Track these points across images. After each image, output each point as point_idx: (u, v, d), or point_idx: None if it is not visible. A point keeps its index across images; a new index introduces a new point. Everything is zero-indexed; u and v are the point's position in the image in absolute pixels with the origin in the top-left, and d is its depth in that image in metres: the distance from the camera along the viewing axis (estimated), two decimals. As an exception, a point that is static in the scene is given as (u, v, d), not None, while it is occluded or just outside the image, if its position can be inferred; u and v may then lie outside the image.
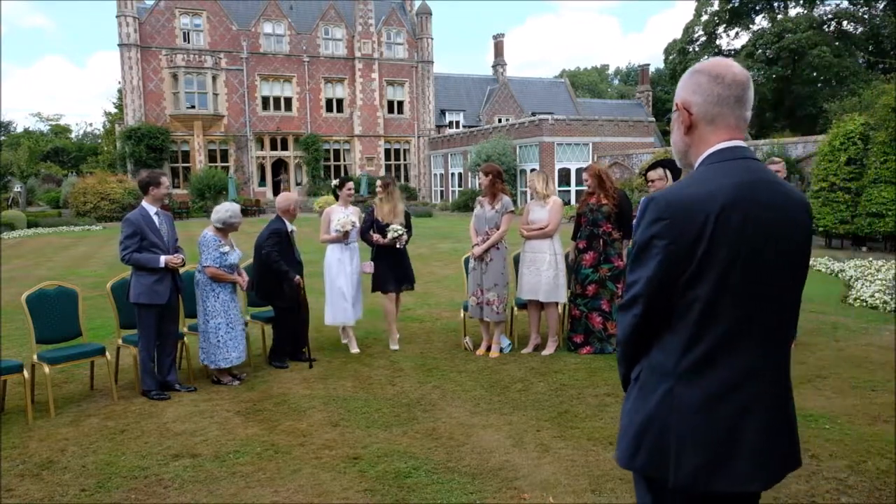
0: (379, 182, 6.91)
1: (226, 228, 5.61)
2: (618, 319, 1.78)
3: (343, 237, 6.52)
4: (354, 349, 6.56)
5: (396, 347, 6.58)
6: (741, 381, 1.62)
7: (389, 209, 6.64)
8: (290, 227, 6.16)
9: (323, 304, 6.78)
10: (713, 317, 1.60)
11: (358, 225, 6.61)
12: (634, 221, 1.68)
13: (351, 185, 6.87)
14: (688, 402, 1.61)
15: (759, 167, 1.67)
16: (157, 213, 5.37)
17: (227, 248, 5.53)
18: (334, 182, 6.85)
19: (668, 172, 6.48)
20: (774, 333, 1.67)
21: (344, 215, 6.54)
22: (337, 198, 6.86)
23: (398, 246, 6.53)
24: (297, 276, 5.99)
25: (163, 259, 5.18)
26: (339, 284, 6.54)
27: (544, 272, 6.17)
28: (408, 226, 6.76)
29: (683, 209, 1.58)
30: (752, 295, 1.61)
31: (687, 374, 1.62)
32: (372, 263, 6.66)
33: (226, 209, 5.65)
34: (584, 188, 6.42)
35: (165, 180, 5.46)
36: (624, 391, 1.81)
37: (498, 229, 6.21)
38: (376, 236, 6.55)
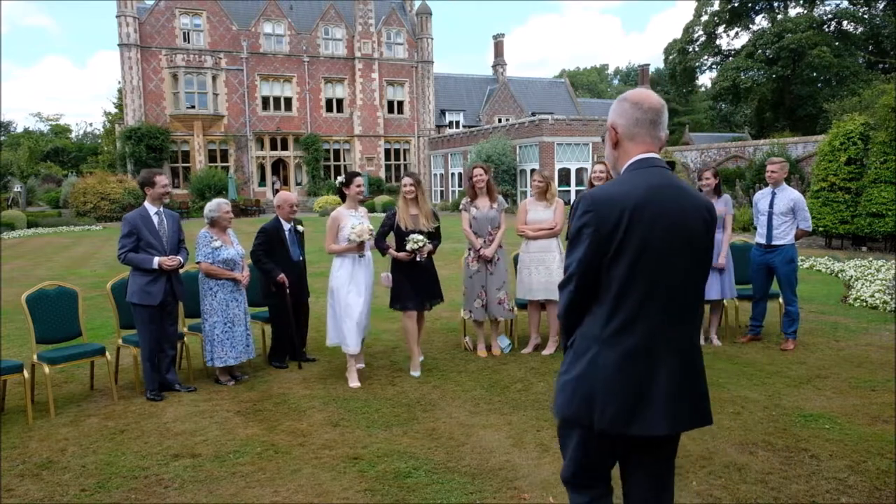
0: (407, 179, 5.76)
1: (214, 223, 5.59)
2: (559, 296, 2.16)
3: (357, 249, 5.51)
4: (354, 383, 5.43)
5: (417, 374, 5.67)
6: (650, 345, 2.02)
7: (420, 213, 5.71)
8: (287, 225, 6.12)
9: (321, 306, 6.72)
10: (627, 293, 2.00)
11: (373, 233, 5.60)
12: (569, 214, 1.94)
13: (361, 181, 5.74)
14: (608, 362, 2.02)
15: (667, 174, 2.09)
16: (157, 213, 5.33)
17: (218, 244, 5.51)
18: (339, 179, 5.74)
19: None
20: (680, 307, 2.07)
21: (357, 221, 5.54)
22: (343, 198, 5.75)
23: (418, 259, 5.62)
24: (282, 275, 5.90)
25: (156, 261, 5.14)
26: (349, 304, 5.47)
27: (555, 271, 6.16)
28: (435, 231, 5.84)
29: (606, 204, 2.00)
30: (659, 275, 2.01)
31: (608, 340, 2.03)
32: (390, 276, 5.74)
33: (209, 205, 5.65)
34: (585, 188, 6.38)
35: (161, 179, 5.34)
36: (569, 329, 2.19)
37: (499, 228, 6.21)
38: (392, 250, 5.71)
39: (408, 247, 5.54)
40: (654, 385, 2.01)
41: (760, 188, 6.38)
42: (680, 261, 2.03)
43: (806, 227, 6.24)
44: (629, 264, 1.99)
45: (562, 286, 2.14)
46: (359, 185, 5.67)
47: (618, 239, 1.98)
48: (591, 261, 2.02)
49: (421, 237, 5.58)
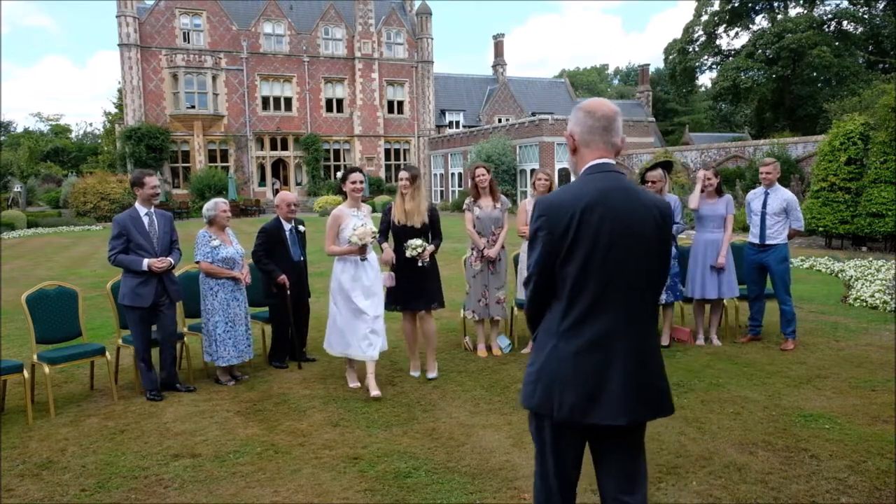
0: (405, 174, 5.51)
1: (211, 222, 5.60)
2: (527, 276, 2.28)
3: (358, 252, 5.18)
4: (375, 391, 5.05)
5: (417, 374, 5.64)
6: (604, 339, 2.13)
7: (413, 208, 5.48)
8: (287, 226, 6.12)
9: (321, 306, 6.71)
10: (580, 290, 2.14)
11: (377, 235, 5.30)
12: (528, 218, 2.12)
13: (359, 176, 5.31)
14: (566, 355, 2.14)
15: (619, 178, 2.22)
16: (147, 214, 5.29)
17: (217, 242, 5.51)
18: (340, 174, 5.77)
19: (665, 174, 6.51)
20: (632, 303, 2.17)
21: (360, 222, 5.19)
22: (344, 196, 5.41)
23: (420, 264, 5.42)
24: (282, 276, 5.89)
25: (145, 262, 5.11)
26: (358, 309, 5.15)
27: None
28: (434, 229, 5.64)
29: (557, 208, 2.16)
30: (610, 273, 2.13)
31: (565, 334, 2.16)
32: (392, 276, 5.52)
33: (207, 204, 5.66)
34: None
35: (150, 180, 5.28)
36: (539, 304, 2.31)
37: (502, 228, 6.22)
38: (387, 249, 5.49)
39: (407, 253, 5.34)
40: (609, 377, 2.12)
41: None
42: (630, 259, 2.15)
43: (798, 226, 6.31)
44: (580, 264, 2.13)
45: (525, 285, 2.30)
46: (354, 182, 5.26)
47: (569, 240, 2.13)
48: (545, 261, 2.18)
49: (419, 241, 5.36)
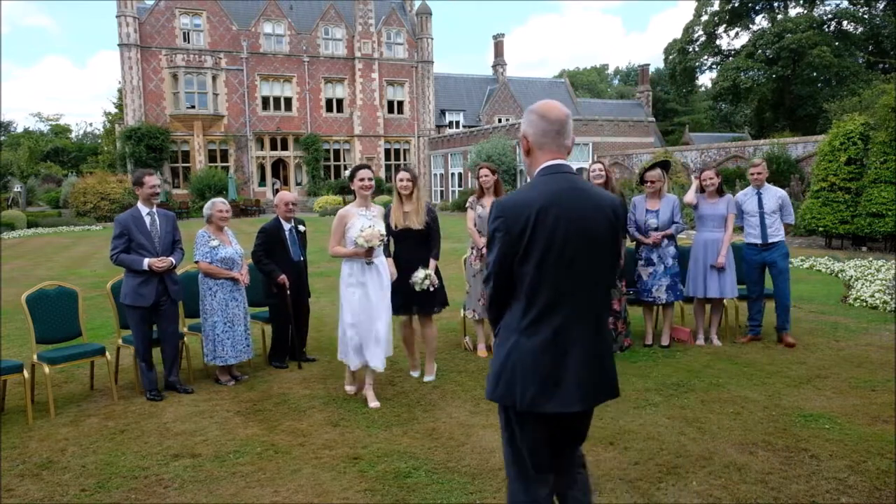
0: (404, 174, 5.33)
1: (211, 222, 5.61)
2: (486, 275, 2.40)
3: (364, 254, 4.84)
4: (374, 403, 4.89)
5: (417, 374, 5.64)
6: (561, 334, 2.26)
7: (412, 210, 5.29)
8: (287, 225, 6.12)
9: (321, 306, 6.71)
10: (538, 288, 2.25)
11: (385, 238, 4.95)
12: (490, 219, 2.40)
13: (367, 173, 4.99)
14: (526, 350, 2.27)
15: (572, 178, 2.31)
16: (149, 214, 5.30)
17: (216, 243, 5.51)
18: (347, 173, 5.34)
19: (664, 173, 6.52)
20: (586, 298, 2.29)
21: (368, 223, 4.87)
22: (347, 194, 5.43)
23: (431, 289, 5.25)
24: (282, 276, 5.88)
25: (146, 262, 5.12)
26: (366, 315, 4.87)
27: None
28: (433, 233, 5.39)
29: (513, 209, 2.25)
30: (565, 272, 2.24)
31: (525, 331, 2.29)
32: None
33: (206, 203, 5.68)
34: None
35: (150, 180, 5.29)
36: (501, 304, 2.45)
37: None
38: (389, 265, 5.23)
39: (416, 289, 5.15)
40: (566, 368, 2.26)
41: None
42: (584, 258, 2.27)
43: (790, 221, 6.49)
44: (537, 262, 2.24)
45: (485, 282, 2.42)
46: (363, 179, 4.92)
47: (525, 240, 2.23)
48: (503, 261, 2.28)
49: (422, 274, 5.16)
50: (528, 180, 2.41)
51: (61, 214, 30.51)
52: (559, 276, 2.24)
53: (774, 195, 6.37)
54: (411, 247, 5.36)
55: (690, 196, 6.50)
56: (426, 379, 5.53)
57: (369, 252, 4.82)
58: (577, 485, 2.52)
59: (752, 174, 6.43)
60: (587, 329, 2.30)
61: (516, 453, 2.40)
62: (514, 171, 30.82)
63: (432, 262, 5.38)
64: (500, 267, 2.29)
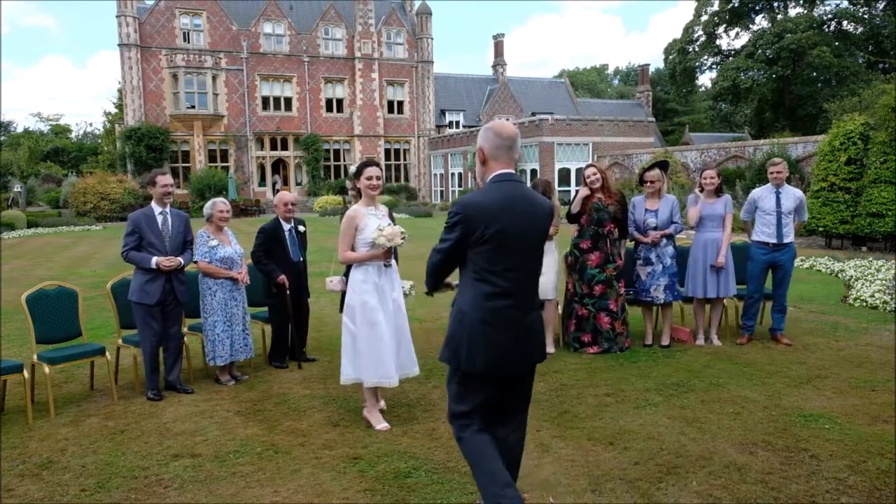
0: (374, 170, 4.71)
1: (211, 222, 5.62)
2: (430, 254, 2.93)
3: (384, 255, 4.44)
4: (381, 424, 4.47)
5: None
6: (501, 310, 2.81)
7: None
8: (287, 226, 6.11)
9: (321, 306, 6.69)
10: (491, 271, 2.79)
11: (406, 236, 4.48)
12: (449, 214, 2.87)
13: (375, 171, 4.54)
14: (476, 323, 2.81)
15: (520, 186, 2.87)
16: (161, 213, 5.34)
17: (215, 242, 5.52)
18: (352, 169, 4.62)
19: (663, 173, 6.53)
20: (523, 284, 2.85)
21: (385, 222, 4.50)
22: (359, 194, 4.63)
23: (387, 262, 4.54)
24: (282, 276, 5.88)
25: (154, 260, 5.15)
26: (379, 324, 4.37)
27: (555, 272, 6.20)
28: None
29: (471, 209, 2.79)
30: (512, 259, 2.79)
31: (476, 304, 2.82)
32: (343, 279, 4.88)
33: (207, 203, 5.70)
34: (585, 191, 6.32)
35: (162, 179, 5.33)
36: (428, 295, 3.19)
37: None
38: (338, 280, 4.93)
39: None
40: (503, 338, 2.80)
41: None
42: (526, 248, 2.83)
43: (804, 219, 6.58)
44: (490, 251, 2.77)
45: (435, 250, 2.92)
46: (370, 178, 4.48)
47: (480, 233, 2.75)
48: (456, 248, 2.83)
49: (388, 226, 4.46)
50: (480, 184, 2.98)
51: (61, 214, 30.50)
52: (505, 266, 2.79)
53: (793, 195, 6.35)
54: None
55: (693, 220, 6.47)
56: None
57: (388, 253, 4.43)
58: (518, 434, 3.11)
59: (773, 173, 6.40)
60: (525, 308, 2.86)
61: (459, 398, 2.95)
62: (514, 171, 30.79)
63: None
64: (452, 252, 2.85)
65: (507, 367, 2.84)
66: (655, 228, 6.30)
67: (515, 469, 3.08)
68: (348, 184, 4.87)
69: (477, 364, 2.80)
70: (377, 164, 4.62)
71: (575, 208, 6.27)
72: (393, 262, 4.60)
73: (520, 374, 2.94)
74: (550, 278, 6.19)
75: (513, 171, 2.87)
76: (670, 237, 6.37)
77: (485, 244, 2.76)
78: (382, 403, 4.70)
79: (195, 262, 5.52)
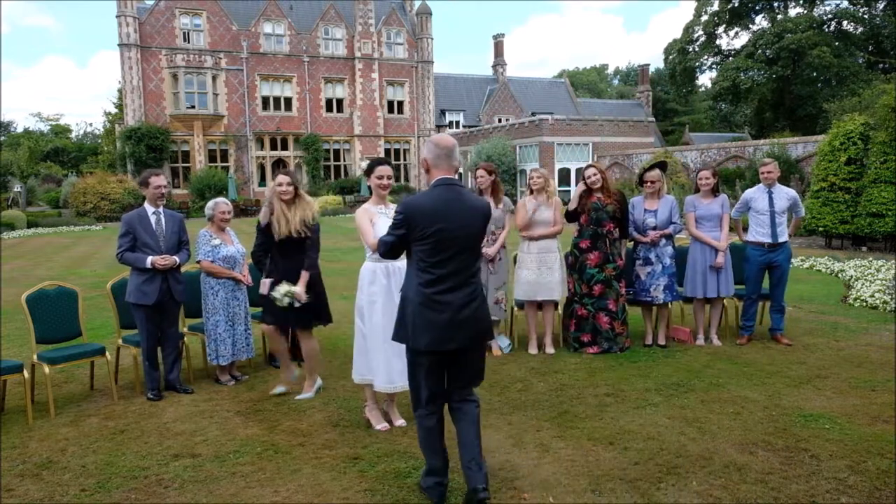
0: (283, 178, 5.02)
1: (213, 222, 5.63)
2: (379, 241, 3.46)
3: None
4: (382, 425, 4.50)
5: (281, 389, 5.20)
6: (443, 294, 3.25)
7: (292, 216, 4.95)
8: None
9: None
10: (433, 262, 3.25)
11: None
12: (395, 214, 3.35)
13: (387, 170, 4.48)
14: (415, 305, 3.28)
15: (457, 189, 3.34)
16: (155, 213, 5.32)
17: (217, 241, 5.53)
18: (363, 166, 4.82)
19: (663, 174, 6.54)
20: (462, 272, 3.29)
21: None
22: (369, 193, 4.72)
23: (297, 304, 4.91)
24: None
25: (149, 260, 5.14)
26: (385, 328, 4.19)
27: (557, 270, 6.20)
28: (311, 240, 5.03)
29: (413, 209, 3.27)
30: (450, 252, 3.25)
31: (417, 291, 3.28)
32: (269, 282, 5.03)
33: (209, 202, 5.72)
34: (582, 187, 6.33)
35: (155, 180, 5.30)
36: (390, 257, 3.60)
37: (503, 229, 6.23)
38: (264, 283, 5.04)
39: (276, 304, 4.85)
40: (444, 318, 3.24)
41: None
42: (461, 244, 3.27)
43: (801, 214, 6.64)
44: (429, 246, 3.23)
45: (384, 238, 3.41)
46: (381, 177, 4.41)
47: (420, 231, 3.23)
48: (401, 242, 3.33)
49: (286, 289, 4.82)
50: (426, 188, 3.47)
51: (61, 214, 30.51)
52: (444, 257, 3.24)
53: (785, 195, 6.38)
54: (292, 256, 5.01)
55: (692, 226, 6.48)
56: (300, 397, 5.09)
57: None
58: (470, 405, 3.45)
59: (763, 173, 6.42)
60: (463, 293, 3.28)
61: (418, 384, 3.40)
62: (514, 171, 30.83)
63: (304, 275, 4.97)
64: (396, 245, 3.35)
65: (446, 344, 3.26)
66: (655, 228, 6.30)
67: (479, 430, 3.47)
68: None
69: (421, 342, 3.26)
70: (388, 163, 4.56)
71: (572, 205, 6.28)
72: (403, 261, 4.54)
73: (462, 349, 3.32)
74: (556, 277, 6.19)
75: (452, 177, 3.36)
76: (669, 237, 6.37)
77: (425, 240, 3.23)
78: (398, 416, 4.60)
79: (198, 262, 5.53)
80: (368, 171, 4.50)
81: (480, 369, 3.50)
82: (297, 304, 4.88)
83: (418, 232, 3.23)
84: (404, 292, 3.37)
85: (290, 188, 4.99)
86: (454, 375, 3.42)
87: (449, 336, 3.25)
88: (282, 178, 5.00)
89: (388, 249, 3.41)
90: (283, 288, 4.86)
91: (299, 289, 4.90)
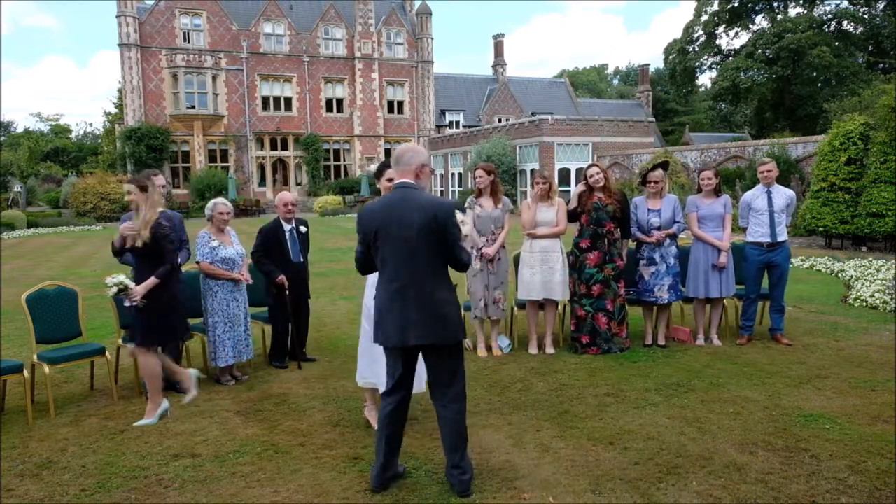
0: (129, 186, 4.70)
1: (213, 222, 5.63)
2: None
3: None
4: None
5: (148, 421, 4.64)
6: (402, 294, 3.40)
7: (141, 224, 4.61)
8: (287, 226, 6.11)
9: (321, 306, 6.68)
10: (385, 264, 3.46)
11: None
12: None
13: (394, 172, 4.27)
14: (383, 305, 3.47)
15: (405, 191, 3.47)
16: None
17: (216, 243, 5.52)
18: (372, 168, 4.50)
19: (665, 174, 6.54)
20: (413, 273, 3.40)
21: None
22: (369, 193, 4.63)
23: (128, 304, 4.65)
24: (281, 276, 5.87)
25: None
26: None
27: (559, 271, 6.20)
28: (160, 246, 4.64)
29: (364, 215, 3.55)
30: (399, 253, 3.40)
31: (381, 292, 3.50)
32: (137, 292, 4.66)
33: (209, 204, 5.71)
34: (582, 186, 6.33)
35: (154, 180, 5.18)
36: (363, 272, 3.77)
37: (503, 229, 6.22)
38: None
39: (109, 293, 4.64)
40: (404, 316, 3.38)
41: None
42: (409, 243, 3.37)
43: (791, 221, 6.61)
44: (384, 247, 3.43)
45: (357, 249, 3.63)
46: (391, 179, 4.10)
47: (372, 234, 3.47)
48: (362, 244, 3.56)
49: (119, 278, 4.56)
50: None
51: (61, 214, 30.52)
52: (396, 256, 3.40)
53: (784, 194, 6.39)
54: (139, 265, 4.73)
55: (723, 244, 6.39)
56: (138, 423, 4.63)
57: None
58: (448, 410, 3.51)
59: (763, 172, 6.42)
60: (417, 290, 3.38)
61: (391, 375, 3.58)
62: (514, 171, 30.83)
63: (150, 280, 4.63)
64: (363, 248, 3.57)
65: (405, 339, 3.38)
66: (659, 228, 6.30)
67: (461, 440, 3.53)
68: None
69: (380, 338, 3.48)
70: None
71: (571, 205, 6.28)
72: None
73: (424, 346, 3.43)
74: (558, 277, 6.19)
75: (405, 180, 3.50)
76: (674, 237, 6.37)
77: (376, 241, 3.45)
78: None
79: (197, 263, 5.53)
80: (378, 174, 4.41)
81: (453, 372, 3.50)
82: (127, 303, 4.61)
83: (369, 236, 3.46)
84: (376, 293, 3.58)
85: (135, 191, 4.64)
86: (430, 376, 3.56)
87: (406, 332, 3.38)
88: (128, 186, 4.61)
89: (357, 262, 3.62)
90: (119, 277, 4.56)
91: (138, 288, 4.57)
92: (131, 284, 4.61)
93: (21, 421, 4.74)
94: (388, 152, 40.62)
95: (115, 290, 4.58)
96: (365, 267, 3.64)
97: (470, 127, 40.34)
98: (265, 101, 38.07)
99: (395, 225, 3.38)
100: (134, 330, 4.83)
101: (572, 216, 6.31)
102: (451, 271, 3.54)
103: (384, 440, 3.56)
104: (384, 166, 4.43)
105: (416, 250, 3.37)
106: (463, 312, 6.56)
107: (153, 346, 4.78)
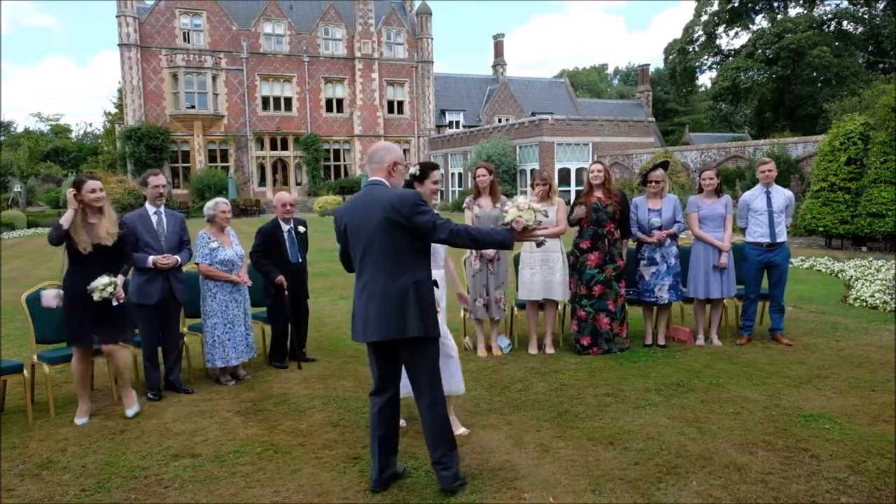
0: (96, 183, 4.78)
1: (213, 222, 5.63)
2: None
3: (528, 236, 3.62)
4: (461, 429, 4.25)
5: (82, 421, 4.63)
6: (366, 289, 3.43)
7: (97, 221, 4.65)
8: (286, 226, 6.11)
9: (321, 306, 6.69)
10: (355, 261, 3.52)
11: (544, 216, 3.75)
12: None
13: (439, 175, 4.32)
14: (356, 301, 3.50)
15: (372, 189, 3.50)
16: (156, 213, 5.34)
17: (216, 244, 5.53)
18: (412, 170, 4.13)
19: (665, 174, 6.54)
20: (374, 268, 3.42)
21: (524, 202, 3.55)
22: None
23: (115, 303, 4.55)
24: (280, 277, 5.88)
25: (150, 259, 5.14)
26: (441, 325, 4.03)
27: (559, 271, 6.19)
28: (117, 255, 4.66)
29: (338, 212, 3.64)
30: (364, 249, 3.44)
31: (356, 287, 3.52)
32: (60, 293, 4.62)
33: (208, 203, 5.71)
34: (584, 187, 6.33)
35: (153, 179, 5.34)
36: (348, 271, 3.72)
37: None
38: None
39: (95, 297, 4.42)
40: (369, 311, 3.40)
41: None
42: (371, 238, 3.40)
43: (789, 222, 6.57)
44: (352, 244, 3.50)
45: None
46: (436, 182, 4.18)
47: (343, 232, 3.57)
48: (340, 243, 3.63)
49: (106, 280, 4.47)
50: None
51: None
52: (361, 252, 3.45)
53: (783, 195, 6.39)
54: (100, 266, 4.59)
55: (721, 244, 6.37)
56: (128, 413, 4.74)
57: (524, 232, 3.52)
58: (419, 405, 3.57)
59: (763, 171, 6.42)
60: (382, 284, 3.38)
61: (372, 373, 3.66)
62: (514, 171, 30.84)
63: (121, 278, 4.66)
64: (341, 247, 3.64)
65: (370, 335, 3.40)
66: (660, 228, 6.30)
67: (439, 436, 3.51)
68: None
69: (353, 334, 3.52)
70: (438, 166, 4.40)
71: (573, 219, 6.22)
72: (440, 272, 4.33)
73: (391, 341, 3.41)
74: (558, 278, 6.19)
75: (379, 178, 3.54)
76: (674, 237, 6.37)
77: (348, 239, 3.52)
78: (403, 422, 4.30)
79: (197, 264, 5.53)
80: (422, 177, 4.11)
81: (418, 365, 3.46)
82: (115, 303, 4.55)
83: (340, 234, 3.58)
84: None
85: (102, 194, 4.63)
86: (408, 368, 3.56)
87: (359, 329, 3.45)
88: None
89: (340, 261, 3.70)
90: (106, 279, 4.46)
91: (120, 283, 4.55)
92: (120, 284, 4.60)
93: (21, 421, 4.74)
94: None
95: (110, 289, 4.49)
96: (346, 265, 3.69)
97: (470, 127, 40.37)
98: (265, 101, 38.08)
99: (358, 221, 3.44)
100: (81, 336, 4.64)
101: (572, 223, 6.29)
102: (432, 265, 3.63)
103: (377, 441, 3.56)
104: (430, 168, 4.18)
105: (376, 245, 3.40)
106: (462, 313, 6.62)
107: (116, 342, 4.74)
